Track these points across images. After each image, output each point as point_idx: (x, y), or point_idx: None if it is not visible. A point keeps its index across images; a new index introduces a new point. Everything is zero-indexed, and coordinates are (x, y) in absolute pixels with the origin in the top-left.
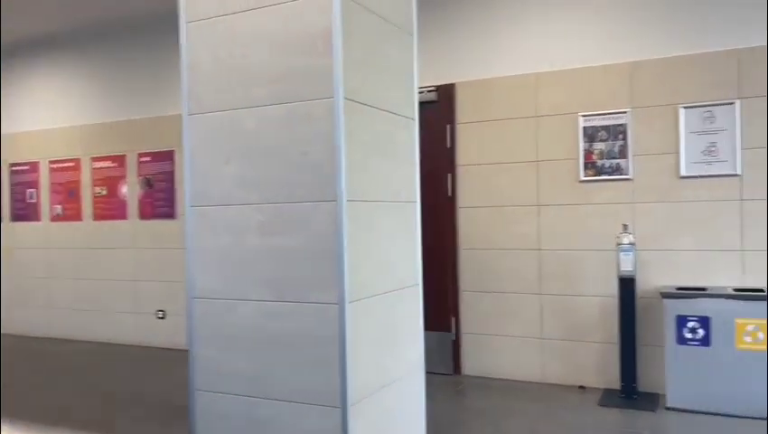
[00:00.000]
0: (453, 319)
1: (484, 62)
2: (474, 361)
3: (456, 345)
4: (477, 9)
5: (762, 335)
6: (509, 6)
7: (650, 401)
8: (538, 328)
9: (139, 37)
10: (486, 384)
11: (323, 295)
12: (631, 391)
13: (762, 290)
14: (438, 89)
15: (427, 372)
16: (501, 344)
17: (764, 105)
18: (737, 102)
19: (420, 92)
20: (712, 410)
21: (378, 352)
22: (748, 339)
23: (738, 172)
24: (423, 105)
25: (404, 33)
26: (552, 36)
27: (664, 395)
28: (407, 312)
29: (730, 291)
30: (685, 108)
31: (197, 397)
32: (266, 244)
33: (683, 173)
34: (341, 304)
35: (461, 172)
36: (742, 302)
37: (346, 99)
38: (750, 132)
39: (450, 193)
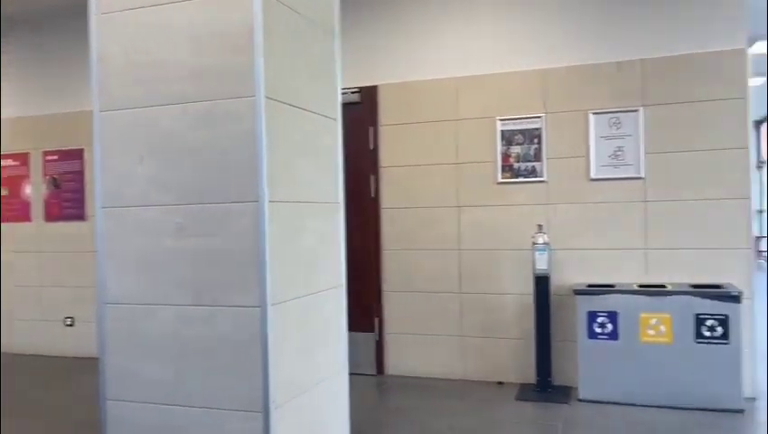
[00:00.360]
0: (376, 320)
1: (407, 65)
2: (398, 360)
3: (380, 346)
4: (401, 12)
5: (664, 328)
6: (432, 11)
7: (564, 394)
8: (458, 327)
9: (45, 29)
10: (409, 383)
11: (244, 298)
12: (546, 385)
13: (664, 286)
14: (361, 90)
15: (351, 373)
16: (423, 344)
17: (666, 112)
18: (641, 109)
19: (343, 93)
20: (620, 400)
21: (301, 354)
22: (652, 332)
23: (642, 175)
24: (346, 106)
25: (327, 33)
26: (472, 42)
27: (577, 388)
28: (331, 313)
29: (635, 287)
30: (594, 114)
31: (109, 407)
32: (184, 247)
33: (593, 175)
34: (263, 307)
35: (384, 173)
36: (646, 297)
37: (267, 98)
38: (653, 138)
39: (373, 195)
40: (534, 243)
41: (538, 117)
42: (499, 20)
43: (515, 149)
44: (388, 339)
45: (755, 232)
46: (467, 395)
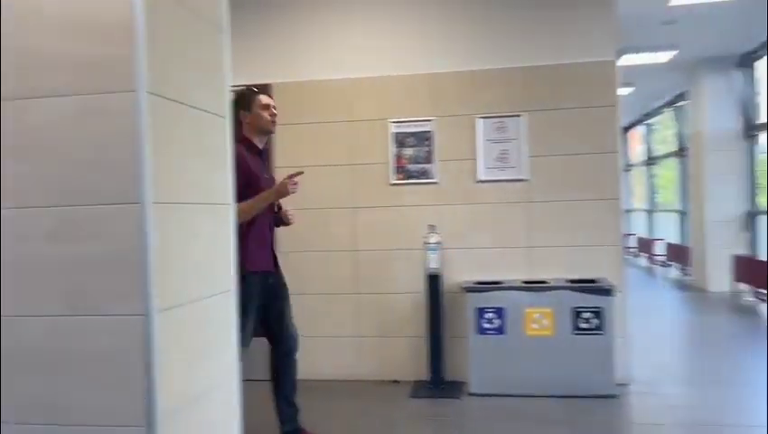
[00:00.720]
0: None
1: (301, 65)
2: None
3: None
4: (296, 10)
5: (546, 322)
6: (327, 11)
7: (456, 389)
8: (354, 328)
9: None
10: (305, 386)
11: (125, 306)
12: (438, 382)
13: (546, 282)
14: None
15: (245, 380)
16: (319, 346)
17: (546, 118)
18: (524, 115)
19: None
20: (508, 392)
21: (189, 363)
22: (535, 326)
23: (526, 177)
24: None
25: (215, 29)
26: (366, 45)
27: (468, 382)
28: (221, 319)
29: (520, 284)
30: (481, 118)
31: None
32: (56, 252)
33: (480, 177)
34: (147, 315)
35: (278, 174)
36: (530, 293)
37: (150, 93)
38: (535, 142)
39: None
40: (426, 243)
41: (429, 120)
42: (392, 24)
43: (407, 151)
44: None
45: (624, 230)
46: (363, 395)
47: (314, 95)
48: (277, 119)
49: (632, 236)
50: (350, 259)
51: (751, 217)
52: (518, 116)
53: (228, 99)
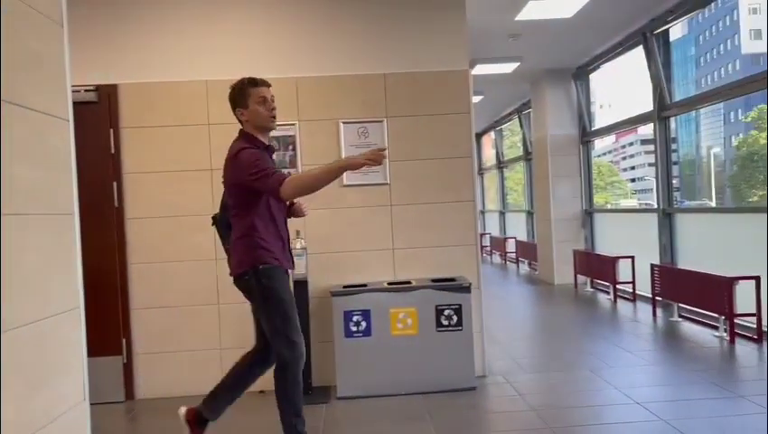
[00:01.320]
0: (123, 341)
1: (152, 65)
2: (150, 382)
3: (128, 368)
4: (148, 8)
5: (410, 321)
6: (179, 10)
7: (324, 394)
8: (217, 340)
9: None
10: (162, 406)
11: None
12: (306, 388)
13: (410, 282)
14: (98, 88)
15: (94, 403)
16: (178, 361)
17: (406, 124)
18: (385, 120)
19: (76, 91)
20: (376, 392)
21: (27, 391)
22: (400, 325)
23: (388, 181)
24: (80, 105)
25: (53, 24)
26: (223, 46)
27: (336, 386)
28: (65, 340)
29: (385, 285)
30: (344, 123)
31: None
32: None
33: (345, 182)
34: None
35: (128, 180)
36: (394, 294)
37: None
38: (396, 147)
39: (117, 204)
40: (292, 248)
41: (292, 124)
42: (250, 25)
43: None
44: (139, 360)
45: (479, 230)
46: (227, 410)
47: (168, 96)
48: (125, 122)
49: (486, 235)
50: (211, 268)
51: (588, 215)
52: (380, 121)
53: (69, 99)
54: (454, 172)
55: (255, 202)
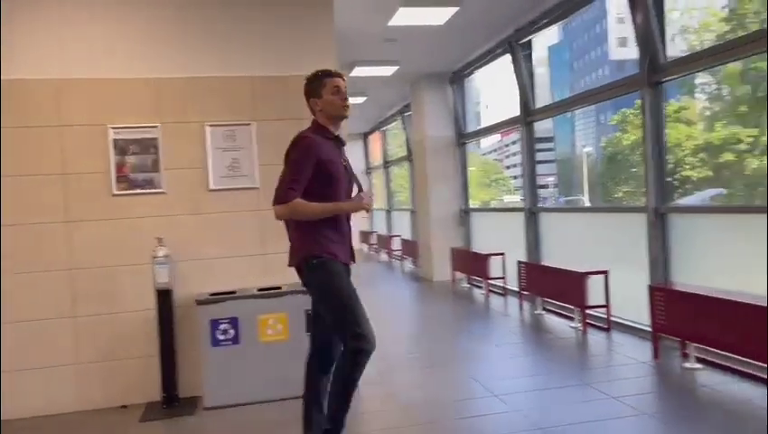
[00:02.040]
0: None
1: None
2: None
3: None
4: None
5: (280, 327)
6: (33, 9)
7: (191, 406)
8: (73, 355)
9: None
10: (13, 427)
11: None
12: (172, 400)
13: (280, 288)
14: None
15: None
16: (27, 380)
17: (274, 128)
18: (253, 124)
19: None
20: (245, 401)
21: None
22: (270, 331)
23: (257, 185)
24: None
25: None
26: (76, 43)
27: (203, 397)
28: None
29: (254, 292)
30: (210, 126)
31: None
32: None
33: (212, 186)
34: None
35: None
36: (264, 300)
37: None
38: (265, 151)
39: None
40: (154, 256)
41: (154, 126)
42: (108, 24)
43: (131, 159)
44: None
45: (368, 228)
46: (84, 428)
47: (11, 96)
48: None
49: (373, 233)
50: (66, 279)
51: (465, 214)
52: (247, 125)
53: None
54: None
55: (313, 192)
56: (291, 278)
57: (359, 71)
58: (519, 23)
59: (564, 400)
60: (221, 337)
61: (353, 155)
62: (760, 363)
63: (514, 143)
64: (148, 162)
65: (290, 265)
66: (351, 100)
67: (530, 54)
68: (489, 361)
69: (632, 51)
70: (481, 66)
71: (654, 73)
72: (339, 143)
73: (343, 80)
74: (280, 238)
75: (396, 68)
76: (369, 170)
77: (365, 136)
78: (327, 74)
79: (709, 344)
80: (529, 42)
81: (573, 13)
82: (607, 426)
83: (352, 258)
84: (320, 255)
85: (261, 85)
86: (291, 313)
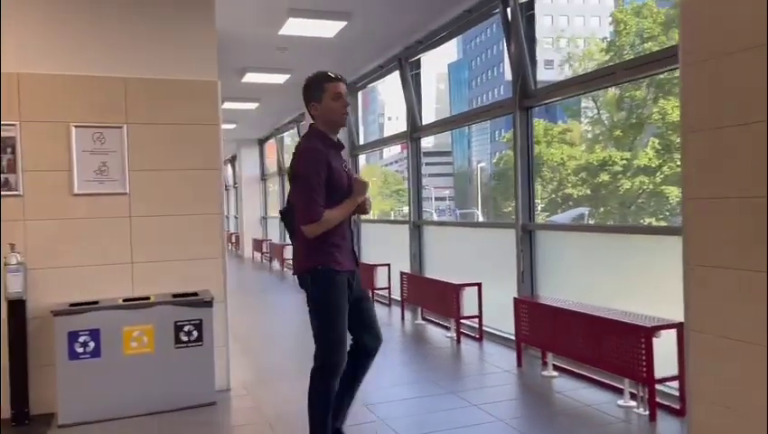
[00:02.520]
0: None
1: None
2: None
3: None
4: None
5: (146, 339)
6: None
7: (44, 423)
8: None
9: None
10: None
11: None
12: (23, 418)
13: (148, 298)
14: None
15: None
16: None
17: (150, 131)
18: (125, 126)
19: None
20: (105, 417)
21: None
22: (135, 344)
23: (126, 190)
24: None
25: None
26: None
27: (57, 414)
28: None
29: (120, 302)
30: (76, 127)
31: None
32: None
33: (76, 190)
34: None
35: None
36: (129, 311)
37: None
38: (138, 155)
39: None
40: (6, 264)
41: (12, 124)
42: None
43: None
44: None
45: (262, 237)
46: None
47: None
48: None
49: (266, 242)
50: None
51: (354, 224)
52: (119, 127)
53: None
54: (201, 184)
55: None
56: (162, 288)
57: (250, 77)
58: (408, 41)
59: (429, 409)
60: (80, 350)
61: (247, 161)
62: (607, 372)
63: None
64: (4, 162)
65: (295, 273)
66: (242, 106)
67: (419, 73)
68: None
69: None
70: (374, 80)
71: (525, 99)
72: (339, 148)
73: (345, 84)
74: (151, 246)
75: (288, 76)
76: (264, 177)
77: (261, 142)
78: (329, 78)
79: (563, 353)
80: (419, 60)
81: (457, 35)
82: (466, 433)
83: (356, 262)
84: (326, 264)
85: (135, 87)
86: (158, 325)
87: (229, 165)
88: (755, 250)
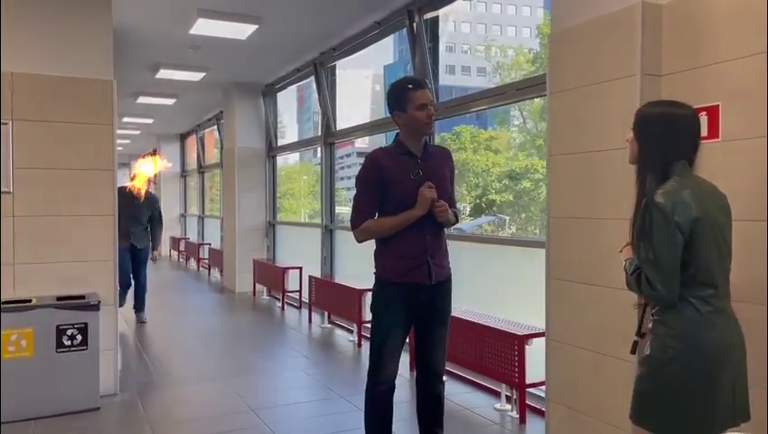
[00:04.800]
0: None
1: None
2: None
3: None
4: None
5: (25, 343)
6: None
7: None
8: None
9: None
10: None
11: None
12: None
13: (30, 301)
14: None
15: None
16: None
17: (37, 129)
18: (10, 123)
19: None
20: None
21: None
22: (12, 348)
23: (9, 189)
24: None
25: None
26: None
27: None
28: None
29: None
30: None
31: None
32: None
33: None
34: None
35: None
36: (8, 314)
37: None
38: (24, 153)
39: None
40: None
41: None
42: None
43: None
44: None
45: (180, 235)
46: None
47: None
48: None
49: (183, 240)
50: None
51: (271, 226)
52: (4, 124)
53: None
54: (93, 185)
55: (387, 212)
56: (47, 290)
57: (164, 74)
58: (323, 47)
59: (316, 413)
60: None
61: (170, 156)
62: (487, 376)
63: (348, 155)
64: None
65: None
66: (159, 101)
67: (335, 79)
68: (262, 374)
69: (459, 79)
70: (293, 82)
71: None
72: (418, 159)
73: (428, 91)
74: (36, 247)
75: (203, 74)
76: (184, 173)
77: (182, 137)
78: (415, 86)
79: (450, 358)
80: (334, 66)
81: (369, 44)
82: None
83: (432, 275)
84: (381, 276)
85: (22, 82)
86: (39, 329)
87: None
88: (605, 266)
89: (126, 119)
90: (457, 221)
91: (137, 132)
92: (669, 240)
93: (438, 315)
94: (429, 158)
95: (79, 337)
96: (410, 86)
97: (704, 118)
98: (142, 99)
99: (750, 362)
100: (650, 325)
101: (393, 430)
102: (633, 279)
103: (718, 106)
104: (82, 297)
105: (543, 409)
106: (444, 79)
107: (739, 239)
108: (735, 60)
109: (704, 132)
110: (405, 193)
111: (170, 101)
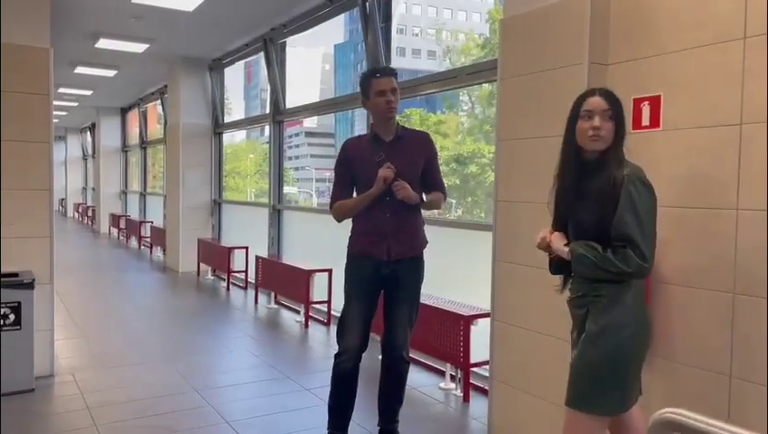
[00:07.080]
0: None
1: None
2: None
3: None
4: None
5: None
6: None
7: None
8: None
9: None
10: None
11: None
12: None
13: None
14: None
15: None
16: None
17: None
18: None
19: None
20: None
21: None
22: None
23: None
24: None
25: None
26: None
27: None
28: None
29: None
30: None
31: None
32: None
33: None
34: None
35: None
36: None
37: None
38: None
39: None
40: None
41: None
42: None
43: None
44: None
45: (121, 212)
46: None
47: None
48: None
49: (124, 218)
50: None
51: (216, 205)
52: None
53: None
54: (28, 157)
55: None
56: None
57: (104, 44)
58: (274, 23)
59: (262, 393)
60: None
61: (107, 131)
62: (433, 357)
63: (297, 135)
64: None
65: None
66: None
67: (285, 56)
68: (207, 355)
69: (408, 61)
70: (241, 58)
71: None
72: (382, 142)
73: (392, 78)
74: None
75: (147, 45)
76: (126, 149)
77: (124, 111)
78: (373, 74)
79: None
80: (284, 43)
81: (321, 22)
82: (291, 416)
83: (392, 251)
84: (348, 251)
85: None
86: None
87: (88, 134)
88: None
89: (62, 90)
90: (445, 198)
91: (75, 104)
92: (654, 214)
93: (401, 292)
94: (398, 142)
95: (12, 316)
96: (376, 74)
97: (646, 108)
98: (80, 69)
99: (750, 362)
100: (589, 306)
101: (356, 404)
102: (616, 257)
103: (660, 96)
104: (15, 274)
105: (486, 388)
106: (395, 61)
107: (677, 225)
108: (678, 51)
109: (646, 121)
110: (369, 174)
111: (110, 73)
